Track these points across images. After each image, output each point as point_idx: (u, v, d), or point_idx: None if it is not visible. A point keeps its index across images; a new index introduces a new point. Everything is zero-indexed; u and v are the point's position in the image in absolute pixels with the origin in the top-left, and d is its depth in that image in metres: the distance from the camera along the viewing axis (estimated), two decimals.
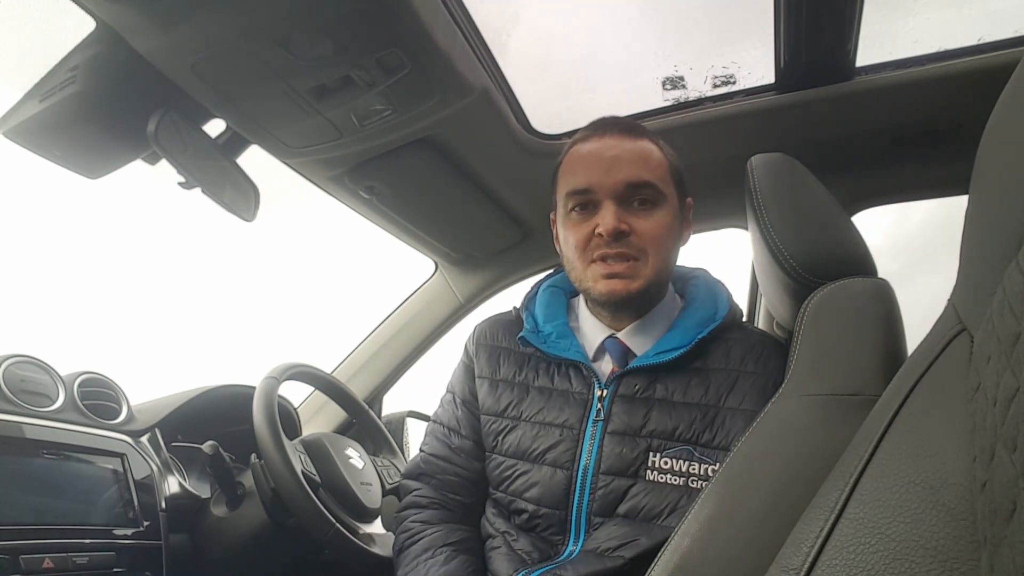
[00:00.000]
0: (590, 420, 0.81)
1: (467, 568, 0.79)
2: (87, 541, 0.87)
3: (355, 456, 1.13)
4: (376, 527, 1.09)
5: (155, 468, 1.02)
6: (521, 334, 0.89)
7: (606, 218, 0.78)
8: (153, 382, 1.29)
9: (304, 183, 1.13)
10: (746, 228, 1.05)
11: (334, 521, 0.94)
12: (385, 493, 1.15)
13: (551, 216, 0.90)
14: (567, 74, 1.07)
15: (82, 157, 0.88)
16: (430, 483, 0.91)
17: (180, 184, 0.90)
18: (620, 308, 0.84)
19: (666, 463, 0.76)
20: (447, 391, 0.98)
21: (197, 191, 0.91)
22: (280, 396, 1.13)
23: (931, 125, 1.01)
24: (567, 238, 0.84)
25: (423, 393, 1.61)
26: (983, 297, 0.36)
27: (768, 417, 0.63)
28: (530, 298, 0.96)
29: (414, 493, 0.91)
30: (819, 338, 0.67)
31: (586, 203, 0.81)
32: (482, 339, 0.95)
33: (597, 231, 0.79)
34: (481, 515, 0.89)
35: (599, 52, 1.02)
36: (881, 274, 0.72)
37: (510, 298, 1.56)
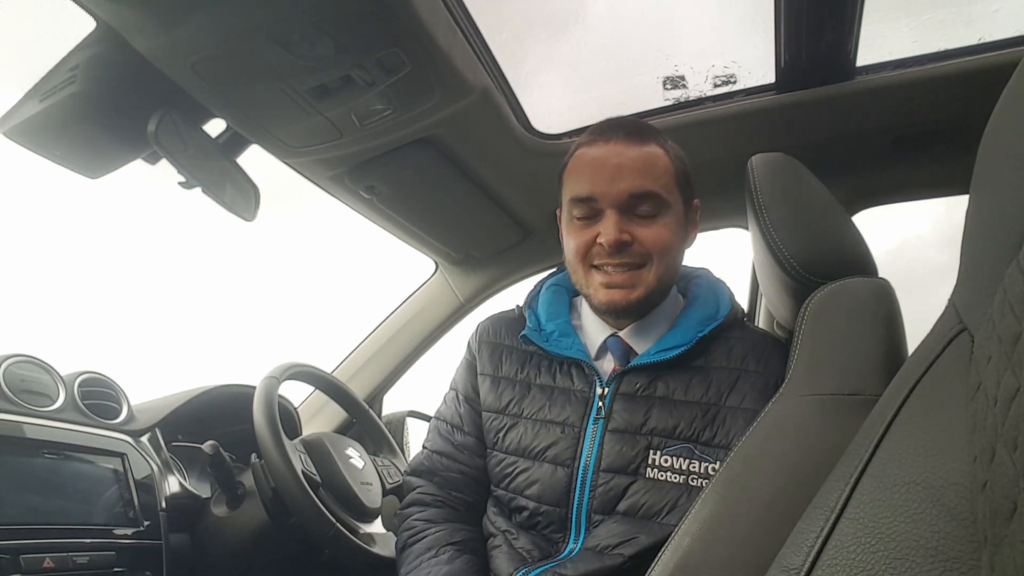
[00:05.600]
0: (591, 418, 0.81)
1: (471, 568, 0.79)
2: (87, 541, 0.87)
3: (355, 456, 1.13)
4: (376, 527, 1.09)
5: (155, 468, 1.02)
6: (523, 332, 0.89)
7: (608, 229, 0.78)
8: (153, 382, 1.29)
9: (304, 183, 1.13)
10: (746, 228, 1.05)
11: (334, 521, 0.94)
12: (385, 493, 1.15)
13: (557, 213, 0.90)
14: (568, 74, 1.07)
15: (82, 157, 0.88)
16: (433, 480, 0.92)
17: (180, 184, 0.90)
18: (620, 315, 0.84)
19: (666, 461, 0.76)
20: (450, 388, 0.98)
21: (197, 191, 0.91)
22: (280, 396, 1.13)
23: (932, 125, 1.01)
24: (569, 243, 0.84)
25: (423, 393, 1.61)
26: (984, 297, 0.36)
27: (768, 417, 0.63)
28: (533, 296, 0.96)
29: (417, 490, 0.91)
30: (819, 338, 0.67)
31: (589, 210, 0.81)
32: (485, 336, 0.95)
33: (599, 240, 0.79)
34: (483, 514, 0.89)
35: (600, 51, 1.02)
36: (928, 267, 0.72)
37: (510, 298, 1.56)
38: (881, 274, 0.73)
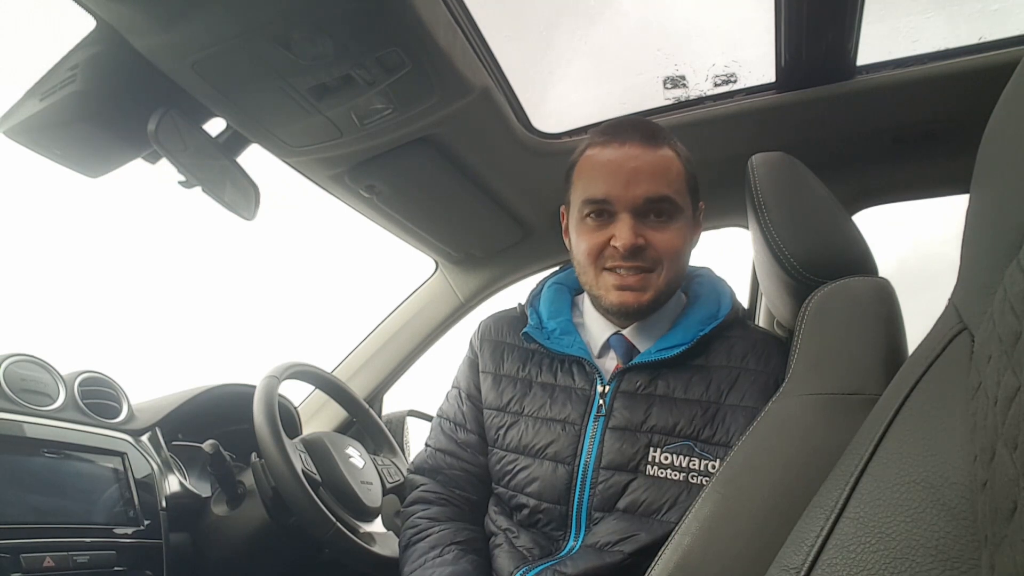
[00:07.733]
0: (592, 416, 0.81)
1: (475, 568, 0.79)
2: (88, 540, 0.87)
3: (355, 455, 1.13)
4: (376, 526, 1.09)
5: (155, 467, 1.02)
6: (525, 330, 0.89)
7: (623, 232, 0.78)
8: (153, 382, 1.29)
9: (304, 182, 1.13)
10: (747, 227, 1.05)
11: (334, 520, 0.94)
12: (385, 492, 1.15)
13: (561, 211, 0.90)
14: (568, 73, 1.07)
15: (82, 156, 0.88)
16: (436, 478, 0.92)
17: (180, 183, 0.90)
18: (630, 317, 0.84)
19: (666, 458, 0.76)
20: (452, 386, 0.98)
21: (197, 190, 0.91)
22: (281, 395, 1.13)
23: (932, 124, 1.01)
24: (580, 243, 0.83)
25: (423, 392, 1.61)
26: (984, 296, 0.36)
27: (769, 416, 0.64)
28: (535, 295, 0.96)
29: (421, 488, 0.91)
30: (820, 337, 0.67)
31: (603, 212, 0.80)
32: (487, 335, 0.95)
33: (613, 243, 0.79)
34: (486, 513, 0.89)
35: (600, 51, 1.02)
36: (947, 266, 0.71)
37: (510, 297, 1.56)
38: (896, 272, 0.73)
